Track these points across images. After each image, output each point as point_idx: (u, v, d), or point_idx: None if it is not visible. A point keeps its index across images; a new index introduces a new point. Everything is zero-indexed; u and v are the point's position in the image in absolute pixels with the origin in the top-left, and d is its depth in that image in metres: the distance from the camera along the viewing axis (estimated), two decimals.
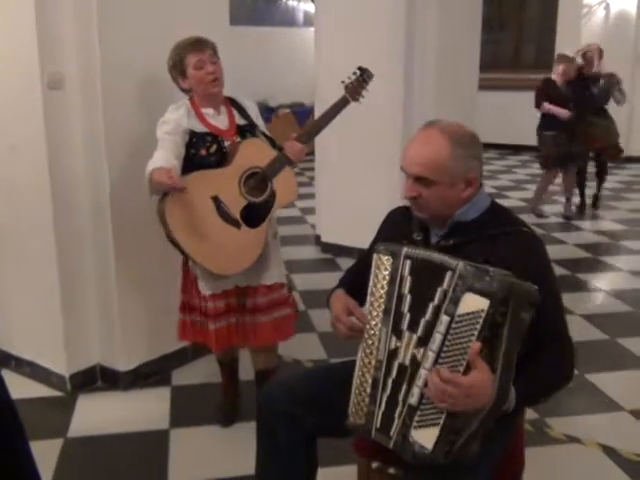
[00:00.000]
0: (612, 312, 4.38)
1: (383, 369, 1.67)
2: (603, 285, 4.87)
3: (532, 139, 6.83)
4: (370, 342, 1.69)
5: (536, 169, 9.07)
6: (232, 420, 3.02)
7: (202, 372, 3.42)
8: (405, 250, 1.67)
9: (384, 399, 1.68)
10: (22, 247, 3.25)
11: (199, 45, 2.66)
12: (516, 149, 10.49)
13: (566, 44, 9.39)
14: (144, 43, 3.09)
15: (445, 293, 1.56)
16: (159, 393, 3.29)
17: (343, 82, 2.79)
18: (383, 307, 1.67)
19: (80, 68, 2.99)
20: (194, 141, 2.66)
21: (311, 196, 6.12)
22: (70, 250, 3.14)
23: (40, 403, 3.20)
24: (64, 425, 3.00)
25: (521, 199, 7.51)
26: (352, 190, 5.21)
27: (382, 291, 1.67)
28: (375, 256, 1.70)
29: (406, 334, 1.64)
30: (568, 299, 4.40)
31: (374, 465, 2.04)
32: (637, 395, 3.29)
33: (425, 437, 1.57)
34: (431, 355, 1.55)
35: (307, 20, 10.56)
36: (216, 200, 2.59)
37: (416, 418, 1.59)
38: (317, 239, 5.67)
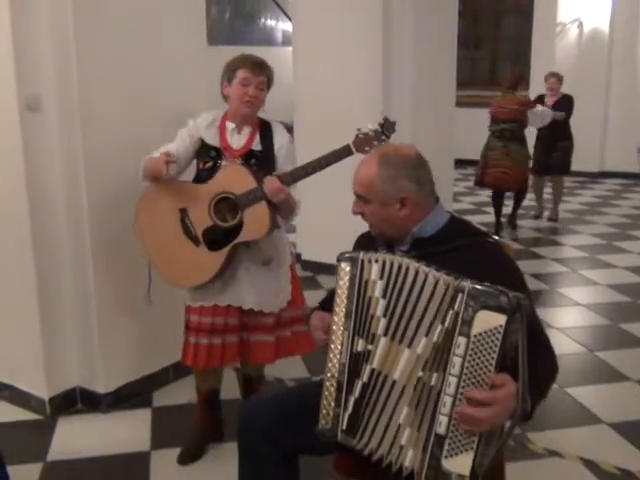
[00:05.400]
0: (590, 325, 4.43)
1: (346, 372, 1.70)
2: (580, 299, 4.92)
3: None
4: (333, 346, 1.73)
5: None
6: (192, 461, 2.88)
7: (183, 393, 3.39)
8: (362, 254, 1.72)
9: (351, 401, 1.70)
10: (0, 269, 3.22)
11: (257, 68, 2.67)
12: None
13: (541, 61, 9.55)
14: (122, 64, 3.10)
15: (456, 314, 1.54)
16: (140, 415, 3.26)
17: (359, 129, 2.54)
18: (345, 311, 1.71)
19: (58, 90, 2.99)
20: (201, 151, 2.72)
21: None
22: (49, 272, 3.12)
23: (19, 427, 3.16)
24: (43, 449, 2.96)
25: None
26: (332, 208, 5.19)
27: (343, 296, 1.72)
28: (337, 265, 1.74)
29: (383, 340, 1.66)
30: (546, 313, 4.49)
31: None
32: (616, 408, 3.32)
33: (460, 465, 1.55)
34: (453, 380, 1.54)
35: (286, 39, 10.64)
36: (183, 212, 2.66)
37: (446, 447, 1.56)
38: (298, 257, 5.67)
